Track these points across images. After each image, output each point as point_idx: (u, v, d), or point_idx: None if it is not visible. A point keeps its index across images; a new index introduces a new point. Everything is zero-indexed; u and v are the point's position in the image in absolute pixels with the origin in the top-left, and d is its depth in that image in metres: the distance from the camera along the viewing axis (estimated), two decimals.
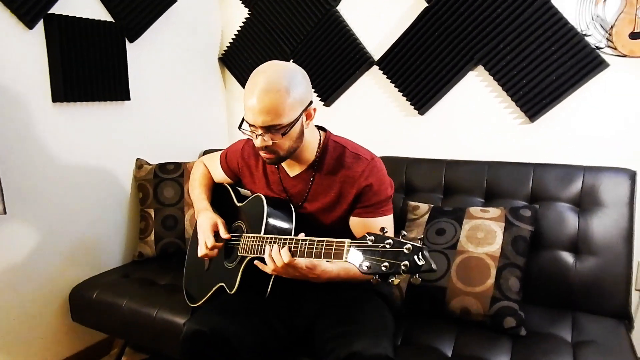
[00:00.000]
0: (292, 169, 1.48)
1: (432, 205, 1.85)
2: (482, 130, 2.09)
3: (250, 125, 1.30)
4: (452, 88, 2.11)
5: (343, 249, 1.09)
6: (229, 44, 2.66)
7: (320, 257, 1.14)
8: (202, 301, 1.58)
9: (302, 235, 1.24)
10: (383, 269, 0.99)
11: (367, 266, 1.02)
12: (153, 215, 2.21)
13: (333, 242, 1.12)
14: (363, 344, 1.18)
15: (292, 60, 2.49)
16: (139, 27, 2.22)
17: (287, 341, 1.45)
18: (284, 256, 1.21)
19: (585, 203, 1.70)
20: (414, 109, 2.19)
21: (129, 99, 2.19)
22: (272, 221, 1.38)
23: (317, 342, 1.35)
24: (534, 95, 1.93)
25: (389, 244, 1.00)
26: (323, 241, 1.15)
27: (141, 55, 2.27)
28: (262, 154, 1.35)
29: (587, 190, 1.71)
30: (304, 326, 1.45)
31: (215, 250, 1.48)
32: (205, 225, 1.50)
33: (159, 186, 2.23)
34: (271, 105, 1.23)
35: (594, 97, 1.85)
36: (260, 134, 1.28)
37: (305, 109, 1.32)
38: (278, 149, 1.32)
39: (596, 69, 1.81)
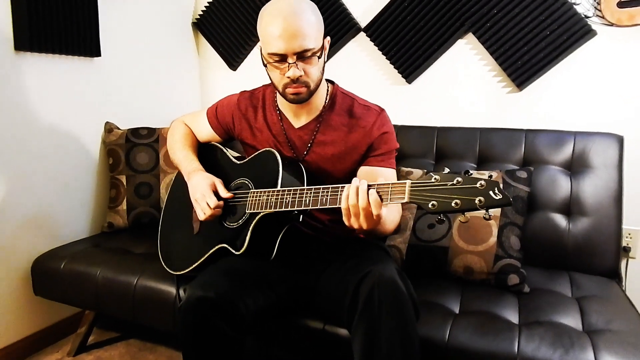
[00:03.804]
0: (298, 119, 1.41)
1: (425, 170, 1.82)
2: (469, 98, 2.09)
3: (277, 56, 1.22)
4: (441, 56, 2.10)
5: (404, 189, 1.02)
6: (204, 9, 2.52)
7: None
8: (193, 266, 1.45)
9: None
10: (454, 205, 0.95)
11: (433, 204, 0.97)
12: (125, 183, 2.04)
13: (388, 184, 1.06)
14: (371, 266, 1.15)
15: None
16: None
17: (291, 304, 1.37)
18: (374, 206, 1.06)
19: (576, 167, 1.73)
20: (402, 77, 2.16)
21: (99, 55, 2.02)
22: (286, 175, 1.29)
23: (324, 293, 1.29)
24: (523, 64, 1.94)
25: (459, 181, 0.96)
26: (373, 185, 1.07)
27: (112, 11, 2.09)
28: (290, 90, 1.27)
29: (577, 154, 1.74)
30: (309, 287, 1.38)
31: (220, 210, 1.36)
32: (202, 185, 1.38)
33: (131, 151, 2.07)
34: (303, 28, 1.19)
35: (581, 65, 1.89)
36: (293, 63, 1.21)
37: (325, 38, 1.29)
38: (309, 80, 1.26)
39: (584, 37, 1.84)
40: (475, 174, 0.98)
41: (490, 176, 0.96)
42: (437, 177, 0.99)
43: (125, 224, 2.03)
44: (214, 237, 1.40)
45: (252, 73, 2.51)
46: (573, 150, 1.75)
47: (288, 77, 1.23)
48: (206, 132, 1.60)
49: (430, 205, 0.98)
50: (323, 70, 1.30)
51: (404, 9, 2.09)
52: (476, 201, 0.94)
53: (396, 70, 2.17)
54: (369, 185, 1.08)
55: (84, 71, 2.01)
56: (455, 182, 0.97)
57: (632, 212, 1.88)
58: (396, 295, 1.11)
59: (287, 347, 1.42)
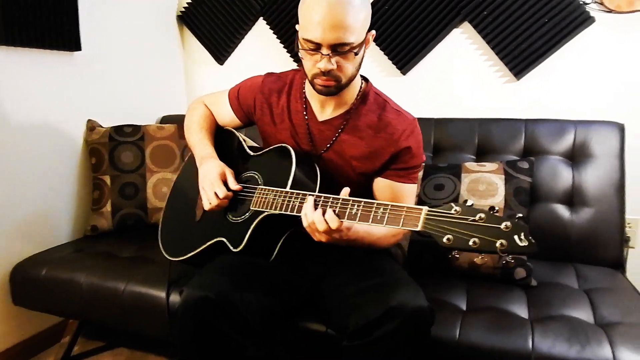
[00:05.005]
0: (323, 112, 1.30)
1: (423, 163, 1.76)
2: (466, 89, 2.04)
3: (312, 44, 1.12)
4: (436, 46, 2.04)
5: (419, 217, 0.93)
6: (189, 1, 2.42)
7: (382, 223, 0.98)
8: (189, 255, 1.37)
9: (345, 193, 1.07)
10: (471, 244, 0.86)
11: (448, 239, 0.89)
12: (109, 183, 1.94)
13: (403, 207, 0.97)
14: (401, 297, 1.05)
15: (261, 18, 2.31)
16: None
17: (291, 305, 1.30)
18: (332, 223, 1.04)
19: (578, 156, 1.70)
20: (397, 68, 2.10)
21: (79, 49, 1.91)
22: (299, 176, 1.20)
23: (333, 300, 1.21)
24: (520, 52, 1.90)
25: (481, 218, 0.87)
26: (387, 205, 0.99)
27: (92, 3, 1.98)
28: (318, 81, 1.17)
29: (579, 144, 1.70)
30: (309, 288, 1.31)
31: (226, 201, 1.28)
32: (213, 173, 1.29)
33: (115, 150, 1.96)
34: (344, 20, 1.08)
35: (580, 53, 1.85)
36: (326, 55, 1.11)
37: (368, 32, 1.17)
38: (342, 75, 1.16)
39: (582, 24, 1.81)
40: (500, 210, 0.89)
41: (519, 217, 0.87)
42: (458, 209, 0.90)
43: (110, 227, 1.93)
44: (214, 228, 1.32)
45: (241, 67, 2.42)
46: (574, 139, 1.71)
47: (319, 68, 1.13)
48: (226, 115, 1.49)
49: (445, 240, 0.89)
50: (360, 66, 1.20)
51: None
52: (497, 244, 0.84)
53: (390, 62, 2.11)
54: (315, 202, 1.07)
55: (64, 66, 1.91)
56: (477, 218, 0.87)
57: (631, 201, 1.85)
58: (422, 335, 1.07)
59: (288, 350, 1.35)
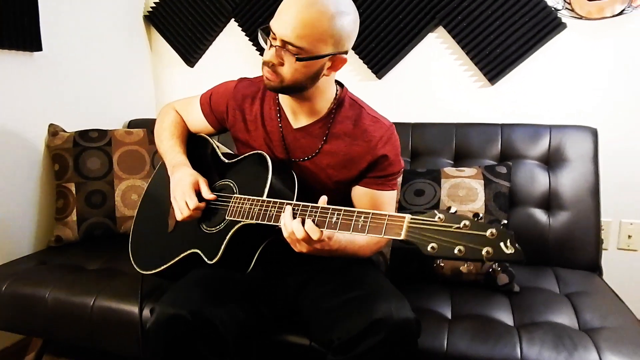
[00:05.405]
0: (297, 119, 1.25)
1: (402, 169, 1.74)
2: (441, 93, 2.04)
3: (272, 32, 1.08)
4: (412, 50, 2.03)
5: (402, 225, 0.90)
6: (157, 0, 2.33)
7: (364, 232, 0.95)
8: (161, 268, 1.30)
9: (323, 201, 1.03)
10: (456, 252, 0.83)
11: (432, 247, 0.85)
12: (74, 191, 1.83)
13: (384, 215, 0.93)
14: (385, 309, 1.02)
15: (233, 19, 2.25)
16: None
17: (270, 319, 1.25)
18: (313, 234, 0.99)
19: (553, 160, 1.72)
20: (372, 72, 2.08)
21: (40, 49, 1.80)
22: (276, 184, 1.16)
23: (314, 312, 1.17)
24: (494, 57, 1.91)
25: (466, 225, 0.84)
26: (368, 213, 0.95)
27: (54, 1, 1.88)
28: (264, 71, 1.13)
29: (554, 148, 1.72)
30: (288, 300, 1.27)
31: (199, 212, 1.22)
32: (184, 182, 1.23)
33: (80, 156, 1.86)
34: (305, 22, 1.03)
35: (552, 58, 1.88)
36: (276, 46, 1.07)
37: (335, 55, 1.10)
38: (283, 74, 1.11)
39: (554, 30, 1.83)
40: (483, 217, 0.87)
41: (504, 225, 0.85)
42: (442, 216, 0.87)
43: (76, 237, 1.82)
44: (188, 239, 1.26)
45: (212, 70, 2.35)
46: (549, 144, 1.73)
47: (265, 57, 1.11)
48: (198, 121, 1.43)
49: (429, 248, 0.86)
50: (313, 76, 1.13)
51: (372, 2, 2.01)
52: (483, 252, 0.82)
53: (365, 66, 2.08)
54: (293, 211, 1.03)
55: (23, 67, 1.79)
56: (461, 225, 0.85)
57: (602, 204, 1.89)
58: (409, 347, 1.04)
59: None
